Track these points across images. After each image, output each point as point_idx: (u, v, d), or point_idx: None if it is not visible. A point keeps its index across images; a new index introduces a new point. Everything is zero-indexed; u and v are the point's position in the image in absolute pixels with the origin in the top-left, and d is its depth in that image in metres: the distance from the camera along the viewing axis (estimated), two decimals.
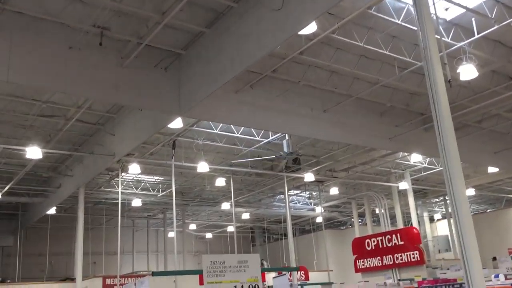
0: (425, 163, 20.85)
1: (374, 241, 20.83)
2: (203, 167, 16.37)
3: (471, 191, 24.18)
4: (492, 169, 19.57)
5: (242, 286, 4.81)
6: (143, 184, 22.56)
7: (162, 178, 21.67)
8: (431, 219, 30.27)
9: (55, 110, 13.91)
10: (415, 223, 21.31)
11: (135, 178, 21.20)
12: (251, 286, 4.81)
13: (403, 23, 10.44)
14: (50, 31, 9.98)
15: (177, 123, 12.78)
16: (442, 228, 30.50)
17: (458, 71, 11.28)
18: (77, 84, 10.26)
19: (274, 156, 17.36)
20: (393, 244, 20.27)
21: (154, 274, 5.22)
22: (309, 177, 18.66)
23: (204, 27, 10.48)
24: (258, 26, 9.30)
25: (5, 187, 18.15)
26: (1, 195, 18.22)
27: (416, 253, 18.98)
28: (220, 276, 4.75)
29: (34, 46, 9.91)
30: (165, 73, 11.44)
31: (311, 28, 9.43)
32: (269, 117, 12.92)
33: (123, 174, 19.01)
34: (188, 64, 11.45)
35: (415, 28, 10.40)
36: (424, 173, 21.82)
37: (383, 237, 20.59)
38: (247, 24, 9.66)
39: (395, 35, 11.40)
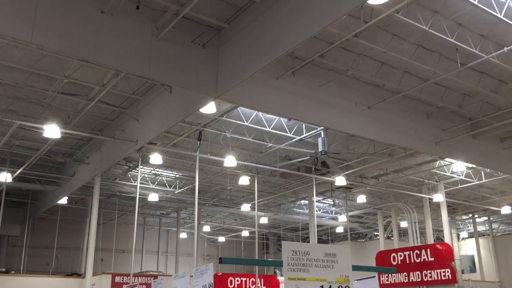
0: (462, 175, 19.48)
1: (401, 256, 19.48)
2: (230, 161, 15.17)
3: (507, 209, 22.71)
4: None
5: (330, 287, 3.61)
6: (159, 179, 21.43)
7: (180, 174, 20.52)
8: (457, 237, 28.76)
9: (77, 88, 12.84)
10: (447, 239, 19.89)
11: (152, 172, 20.06)
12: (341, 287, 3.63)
13: (479, 4, 9.21)
14: None
15: (210, 108, 11.63)
16: (468, 247, 28.95)
17: None
18: (107, 53, 9.16)
19: (308, 157, 16.10)
20: (422, 260, 18.93)
21: (223, 260, 4.02)
22: (340, 181, 17.37)
23: None
24: None
25: (17, 171, 17.08)
26: (12, 180, 17.12)
27: (448, 271, 17.61)
28: (303, 271, 3.58)
29: (62, 7, 8.85)
30: (203, 50, 10.34)
31: None
32: (310, 107, 11.75)
33: (141, 166, 17.91)
34: (228, 41, 10.33)
35: (490, 11, 9.37)
36: (460, 186, 20.40)
37: (411, 251, 19.25)
38: None
39: (462, 22, 10.20)
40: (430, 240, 20.16)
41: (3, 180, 16.38)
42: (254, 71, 9.53)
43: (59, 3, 8.81)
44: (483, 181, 19.53)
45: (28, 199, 22.73)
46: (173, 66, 9.90)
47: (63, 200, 20.66)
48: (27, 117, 14.02)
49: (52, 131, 12.61)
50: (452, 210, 24.85)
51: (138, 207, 16.36)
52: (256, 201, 17.74)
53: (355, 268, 3.92)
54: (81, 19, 8.99)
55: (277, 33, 9.14)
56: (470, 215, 26.80)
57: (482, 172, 19.18)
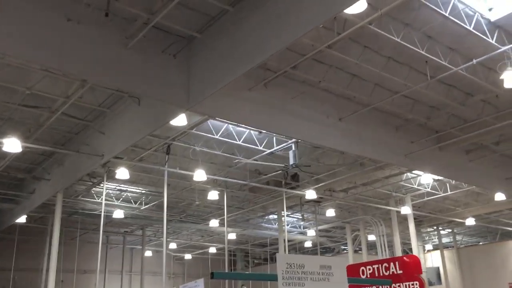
0: (428, 187, 19.76)
1: (370, 269, 19.36)
2: (200, 175, 14.81)
3: (471, 221, 23.16)
4: (498, 197, 18.56)
5: None
6: (124, 195, 20.78)
7: (146, 190, 19.95)
8: (423, 250, 29.11)
9: (39, 101, 12.25)
10: (415, 252, 20.04)
11: (117, 188, 19.42)
12: None
13: (450, 16, 9.33)
14: None
15: (180, 120, 11.31)
16: (433, 259, 29.35)
17: (501, 77, 10.22)
18: (73, 62, 8.75)
19: (279, 170, 15.92)
20: (391, 273, 18.89)
21: (215, 275, 3.72)
22: (310, 194, 17.26)
23: (228, 5, 9.16)
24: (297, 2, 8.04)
25: None
26: None
27: (416, 284, 17.65)
28: (299, 285, 3.34)
29: (26, 14, 8.41)
30: (174, 60, 10.05)
31: (360, 6, 8.21)
32: (282, 120, 11.62)
33: (106, 181, 17.29)
34: (200, 52, 10.09)
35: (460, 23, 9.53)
36: (427, 198, 20.67)
37: (380, 265, 19.20)
38: (279, 2, 8.40)
39: (432, 35, 10.34)
40: (398, 252, 20.27)
41: None
42: (226, 82, 9.32)
43: (22, 10, 8.38)
44: (449, 193, 19.87)
45: None
46: (143, 76, 9.56)
47: (22, 219, 19.70)
48: None
49: (12, 144, 11.97)
50: (418, 222, 25.15)
51: (101, 227, 15.70)
52: (225, 216, 17.39)
53: (351, 281, 3.70)
54: (46, 27, 8.57)
55: (250, 43, 8.98)
56: (435, 227, 27.20)
57: (448, 184, 19.51)
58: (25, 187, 17.94)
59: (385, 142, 13.70)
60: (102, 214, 15.38)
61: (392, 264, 18.72)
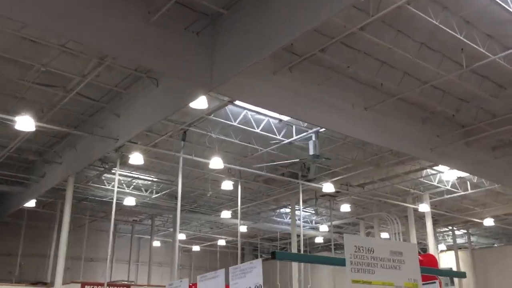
0: (448, 185, 19.16)
1: None
2: (216, 163, 14.33)
3: (489, 221, 22.53)
4: None
5: None
6: (135, 183, 20.37)
7: (158, 178, 19.52)
8: (437, 250, 28.46)
9: (54, 79, 11.81)
10: (431, 251, 19.49)
11: (128, 175, 19.00)
12: None
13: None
14: None
15: (201, 103, 10.83)
16: (446, 260, 28.73)
17: None
18: (93, 34, 8.28)
19: (298, 159, 15.39)
20: None
21: (277, 255, 3.24)
22: (328, 187, 16.73)
23: None
24: None
25: None
26: None
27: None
28: (369, 272, 2.87)
29: None
30: (197, 38, 9.54)
31: None
32: (306, 106, 11.09)
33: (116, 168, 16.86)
34: (224, 31, 9.58)
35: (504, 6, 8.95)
36: (446, 196, 20.07)
37: None
38: None
39: (470, 20, 9.76)
40: None
41: None
42: (251, 63, 8.83)
43: None
44: (469, 191, 19.26)
45: None
46: (165, 53, 9.08)
47: (31, 203, 19.35)
48: None
49: (25, 123, 11.54)
50: (434, 221, 24.55)
51: (109, 214, 15.30)
52: (239, 207, 16.92)
53: (423, 270, 3.22)
54: None
55: (278, 22, 8.47)
56: (450, 227, 26.58)
57: (468, 182, 18.91)
58: (35, 171, 17.56)
59: (411, 135, 13.14)
60: (114, 201, 14.93)
61: None
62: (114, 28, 8.48)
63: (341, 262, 3.00)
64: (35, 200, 19.32)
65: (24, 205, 19.39)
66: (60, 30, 8.15)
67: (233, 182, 17.32)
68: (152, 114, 11.74)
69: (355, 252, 2.95)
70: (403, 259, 3.10)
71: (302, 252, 18.22)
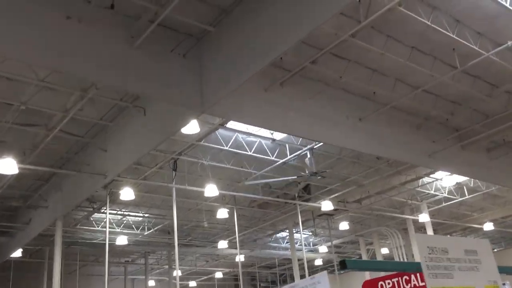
0: (445, 192, 18.89)
1: (389, 283, 18.40)
2: (211, 190, 13.79)
3: (489, 226, 22.25)
4: None
5: None
6: (125, 221, 19.62)
7: (149, 214, 18.83)
8: None
9: (35, 118, 11.25)
10: None
11: (118, 213, 18.27)
12: None
13: None
14: None
15: (192, 128, 10.38)
16: None
17: None
18: (77, 60, 7.82)
19: (295, 176, 14.94)
20: (413, 286, 17.94)
21: (347, 264, 2.78)
22: (326, 206, 16.28)
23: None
24: None
25: None
26: None
27: None
28: (447, 277, 2.44)
29: (23, 13, 7.49)
30: (184, 60, 9.14)
31: None
32: (301, 121, 10.73)
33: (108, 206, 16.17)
34: (210, 50, 9.21)
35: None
36: (444, 204, 19.78)
37: (400, 278, 18.22)
38: None
39: (461, 18, 9.60)
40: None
41: None
42: (242, 80, 8.44)
43: (18, 8, 7.45)
44: (466, 197, 19.01)
45: None
46: (152, 77, 8.64)
47: (17, 253, 18.40)
48: None
49: (7, 166, 10.89)
50: (433, 230, 24.22)
51: (100, 256, 14.54)
52: (237, 235, 16.32)
53: (502, 270, 2.79)
54: (45, 26, 7.64)
55: (264, 38, 8.17)
56: (449, 235, 26.23)
57: (465, 188, 18.68)
58: (20, 218, 16.72)
59: (407, 143, 12.87)
60: (107, 242, 14.21)
61: (413, 276, 17.78)
62: (97, 54, 8.04)
63: (414, 267, 2.56)
64: (21, 250, 18.38)
65: (11, 255, 18.44)
66: (40, 60, 7.67)
67: (227, 210, 16.74)
68: (141, 145, 11.21)
69: (429, 254, 2.52)
70: (479, 258, 2.68)
71: (305, 275, 17.57)
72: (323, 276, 3.83)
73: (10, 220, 16.96)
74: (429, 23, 9.07)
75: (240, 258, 18.55)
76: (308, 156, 13.54)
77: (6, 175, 12.88)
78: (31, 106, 10.60)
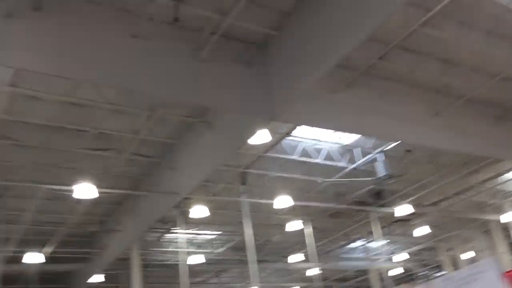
0: None
1: None
2: (283, 201, 13.48)
3: None
4: None
5: None
6: (196, 240, 19.63)
7: (220, 232, 18.75)
8: None
9: (106, 142, 11.45)
10: None
11: (190, 232, 18.27)
12: None
13: None
14: (107, 15, 7.73)
15: (262, 137, 10.17)
16: None
17: None
18: (146, 79, 7.83)
19: (373, 182, 14.36)
20: None
21: None
22: (405, 209, 15.49)
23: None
24: None
25: (45, 251, 15.39)
26: (44, 261, 15.41)
27: None
28: None
29: (88, 33, 7.59)
30: (249, 69, 8.98)
31: None
32: (375, 121, 10.25)
33: (178, 227, 16.24)
34: (274, 56, 8.99)
35: None
36: None
37: None
38: None
39: None
40: (508, 267, 17.90)
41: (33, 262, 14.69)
42: (311, 82, 8.25)
43: (84, 30, 7.56)
44: None
45: (58, 284, 20.69)
46: (220, 89, 8.53)
47: (96, 278, 18.79)
48: (52, 184, 12.49)
49: (87, 190, 11.09)
50: None
51: (171, 277, 14.39)
52: (314, 245, 15.84)
53: None
54: (111, 45, 7.72)
55: (330, 37, 7.86)
56: None
57: None
58: (97, 243, 17.09)
59: (488, 136, 12.01)
60: (182, 262, 14.17)
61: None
62: (165, 70, 8.01)
63: None
64: (99, 275, 18.77)
65: (88, 281, 18.86)
66: (108, 80, 7.71)
67: (300, 221, 16.34)
68: (210, 161, 11.15)
69: None
70: None
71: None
72: (490, 262, 3.34)
73: (87, 246, 17.36)
74: (505, 4, 8.42)
75: (315, 271, 18.00)
76: (380, 159, 12.95)
77: (81, 202, 13.19)
78: (102, 130, 10.78)
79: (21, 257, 15.44)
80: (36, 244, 15.31)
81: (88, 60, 7.37)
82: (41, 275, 18.19)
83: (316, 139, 12.79)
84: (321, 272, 24.30)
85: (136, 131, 10.98)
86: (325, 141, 12.98)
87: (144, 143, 11.57)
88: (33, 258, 15.10)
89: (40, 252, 15.22)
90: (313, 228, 18.79)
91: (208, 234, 19.09)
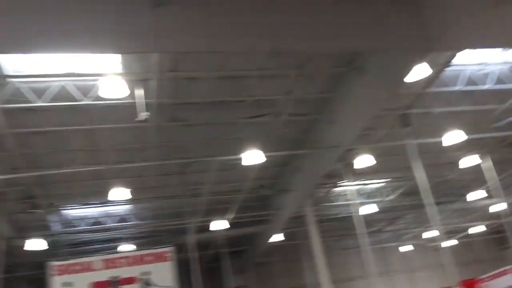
0: None
1: None
2: (453, 137, 12.55)
3: None
4: None
5: None
6: (365, 191, 19.47)
7: (387, 179, 18.29)
8: None
9: (261, 109, 11.80)
10: None
11: (356, 183, 18.16)
12: None
13: None
14: None
15: (419, 73, 9.49)
16: None
17: None
18: (290, 36, 7.71)
19: None
20: None
21: None
22: None
23: None
24: None
25: (226, 218, 16.71)
26: (228, 226, 16.82)
27: None
28: None
29: (229, 5, 7.72)
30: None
31: None
32: None
33: (345, 179, 16.25)
34: None
35: None
36: None
37: None
38: None
39: None
40: None
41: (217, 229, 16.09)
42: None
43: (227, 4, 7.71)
44: None
45: (242, 246, 22.46)
46: (369, 29, 8.05)
47: (276, 238, 19.92)
48: (222, 155, 13.34)
49: (254, 156, 11.66)
50: None
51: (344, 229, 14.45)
52: (497, 179, 14.54)
53: None
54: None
55: None
56: None
57: None
58: (272, 204, 17.97)
59: None
60: (357, 212, 14.18)
61: None
62: (311, 23, 7.79)
63: None
64: (278, 235, 19.83)
65: (270, 241, 20.05)
66: (262, 46, 7.76)
67: (475, 155, 15.08)
68: (368, 107, 10.80)
69: None
70: None
71: None
72: None
73: (263, 209, 18.38)
74: None
75: (501, 206, 16.60)
76: None
77: (251, 168, 13.88)
78: (257, 97, 11.11)
79: (208, 226, 17.00)
80: (219, 212, 16.67)
81: (235, 30, 7.50)
82: (227, 239, 19.92)
83: (482, 63, 11.53)
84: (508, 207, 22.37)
85: (289, 92, 11.08)
86: (492, 63, 11.64)
87: (299, 102, 11.66)
88: (219, 225, 16.49)
89: (223, 219, 16.55)
90: (492, 161, 17.24)
91: (376, 183, 18.76)
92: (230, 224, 17.36)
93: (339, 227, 23.09)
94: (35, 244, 15.79)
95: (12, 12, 6.14)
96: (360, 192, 19.16)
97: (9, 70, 8.93)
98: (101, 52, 7.36)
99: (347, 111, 11.47)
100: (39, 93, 9.64)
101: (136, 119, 9.61)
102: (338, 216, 21.00)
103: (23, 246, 15.99)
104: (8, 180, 12.02)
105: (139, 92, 9.77)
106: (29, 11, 6.18)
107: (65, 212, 16.55)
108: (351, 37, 7.87)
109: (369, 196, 19.58)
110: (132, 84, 9.49)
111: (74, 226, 17.65)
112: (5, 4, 6.09)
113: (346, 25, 7.94)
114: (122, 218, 17.84)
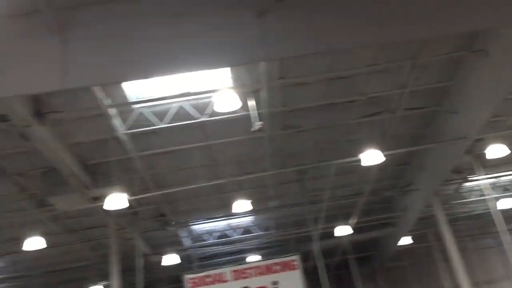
0: None
1: None
2: None
3: None
4: None
5: None
6: (498, 184, 17.77)
7: None
8: None
9: (375, 106, 11.34)
10: None
11: (489, 176, 16.63)
12: None
13: None
14: None
15: None
16: None
17: None
18: (403, 25, 7.28)
19: None
20: None
21: None
22: None
23: None
24: None
25: (349, 223, 16.30)
26: (351, 231, 16.40)
27: None
28: None
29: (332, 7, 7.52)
30: None
31: None
32: None
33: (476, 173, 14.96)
34: None
35: None
36: None
37: None
38: None
39: None
40: None
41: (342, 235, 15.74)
42: None
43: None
44: None
45: (369, 251, 21.75)
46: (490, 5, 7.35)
47: (404, 241, 18.98)
48: (339, 159, 13.03)
49: (372, 157, 11.23)
50: None
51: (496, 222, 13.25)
52: None
53: None
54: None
55: None
56: None
57: None
58: (396, 206, 17.19)
59: None
60: (494, 208, 12.95)
61: None
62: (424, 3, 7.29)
63: None
64: (407, 237, 18.88)
65: (398, 244, 19.15)
66: (373, 39, 7.42)
67: None
68: (493, 92, 9.88)
69: None
70: None
71: None
72: None
73: (388, 211, 17.63)
74: None
75: None
76: None
77: (371, 169, 13.39)
78: (369, 95, 10.71)
79: (332, 232, 16.71)
80: (341, 217, 16.32)
81: (342, 26, 7.27)
82: (353, 245, 19.39)
83: None
84: None
85: (403, 85, 10.51)
86: None
87: (415, 95, 11.00)
88: (342, 230, 16.12)
89: (347, 224, 16.15)
90: None
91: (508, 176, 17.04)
92: (354, 229, 16.90)
93: (475, 226, 21.41)
94: (170, 259, 16.78)
95: (132, 41, 6.59)
96: (495, 185, 17.54)
97: (132, 97, 9.59)
98: (214, 68, 7.57)
99: (470, 98, 10.56)
100: (160, 115, 10.24)
101: (251, 129, 9.78)
102: (472, 213, 19.44)
103: (159, 261, 17.09)
104: (140, 200, 12.89)
105: (251, 103, 9.95)
106: (144, 37, 6.57)
107: (193, 227, 17.38)
108: (467, 19, 7.21)
109: (507, 189, 17.84)
110: (244, 96, 9.69)
111: (203, 240, 18.46)
112: (126, 36, 6.56)
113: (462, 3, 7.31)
114: (247, 230, 18.26)
